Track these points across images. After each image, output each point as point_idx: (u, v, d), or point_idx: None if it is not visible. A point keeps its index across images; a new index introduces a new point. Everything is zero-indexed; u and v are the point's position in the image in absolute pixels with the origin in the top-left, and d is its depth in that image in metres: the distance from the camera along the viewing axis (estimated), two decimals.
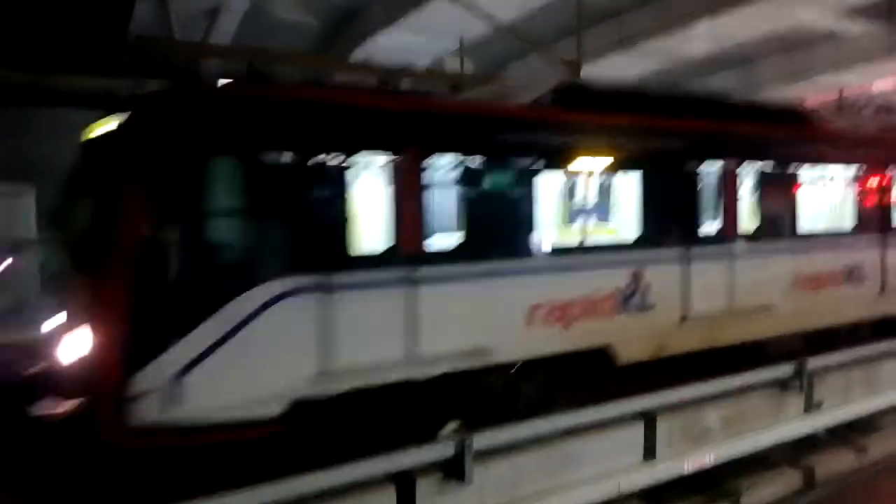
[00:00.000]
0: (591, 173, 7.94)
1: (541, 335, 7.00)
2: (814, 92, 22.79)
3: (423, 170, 6.47)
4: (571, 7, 14.71)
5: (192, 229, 5.75)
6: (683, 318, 8.01)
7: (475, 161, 6.77)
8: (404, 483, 5.31)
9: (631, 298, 7.60)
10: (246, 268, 5.87)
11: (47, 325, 6.12)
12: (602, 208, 8.20)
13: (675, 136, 8.22)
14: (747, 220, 8.80)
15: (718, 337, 8.33)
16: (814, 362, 8.16)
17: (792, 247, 9.16)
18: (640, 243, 7.85)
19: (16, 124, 14.62)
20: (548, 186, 7.25)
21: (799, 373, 7.91)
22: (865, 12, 19.44)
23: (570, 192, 8.02)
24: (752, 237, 8.77)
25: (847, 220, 10.03)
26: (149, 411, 5.38)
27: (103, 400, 5.38)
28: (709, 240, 8.40)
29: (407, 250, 6.32)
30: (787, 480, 7.10)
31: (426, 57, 19.70)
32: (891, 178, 10.50)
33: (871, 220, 10.20)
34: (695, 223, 8.27)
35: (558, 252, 7.32)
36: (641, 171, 7.86)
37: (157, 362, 5.40)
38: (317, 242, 5.97)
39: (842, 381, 8.55)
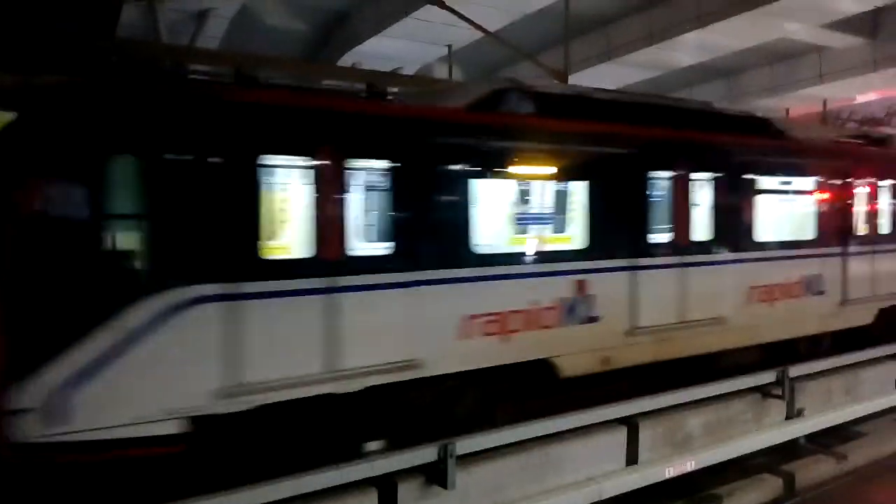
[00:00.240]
0: (532, 180, 7.79)
1: (476, 347, 6.68)
2: (798, 104, 23.08)
3: (344, 174, 6.11)
4: (559, 17, 14.82)
5: (80, 232, 5.31)
6: (631, 331, 7.74)
7: (402, 165, 6.42)
8: (386, 487, 5.31)
9: (575, 309, 7.32)
10: (140, 275, 5.46)
11: None
12: (544, 216, 8.01)
13: (622, 143, 7.92)
14: (700, 229, 8.52)
15: (668, 350, 8.06)
16: (796, 370, 8.25)
17: (747, 257, 8.85)
18: (584, 253, 7.52)
19: None
20: (484, 193, 6.95)
21: (781, 380, 7.99)
22: (850, 26, 19.69)
23: (510, 199, 7.75)
24: (705, 247, 8.47)
25: (807, 231, 9.80)
26: (32, 427, 4.99)
27: None
28: (658, 250, 8.07)
29: (327, 258, 5.94)
30: (767, 487, 7.15)
31: (415, 64, 19.75)
32: (852, 189, 10.31)
33: (832, 231, 9.95)
34: (643, 232, 7.97)
35: (494, 261, 6.95)
36: (587, 178, 7.57)
37: (41, 375, 5.00)
38: (223, 249, 5.57)
39: (823, 388, 8.64)
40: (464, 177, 6.77)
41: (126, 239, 5.49)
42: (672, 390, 7.29)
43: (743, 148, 9.02)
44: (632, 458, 6.66)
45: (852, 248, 10.13)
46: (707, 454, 7.01)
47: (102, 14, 10.59)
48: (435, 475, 5.48)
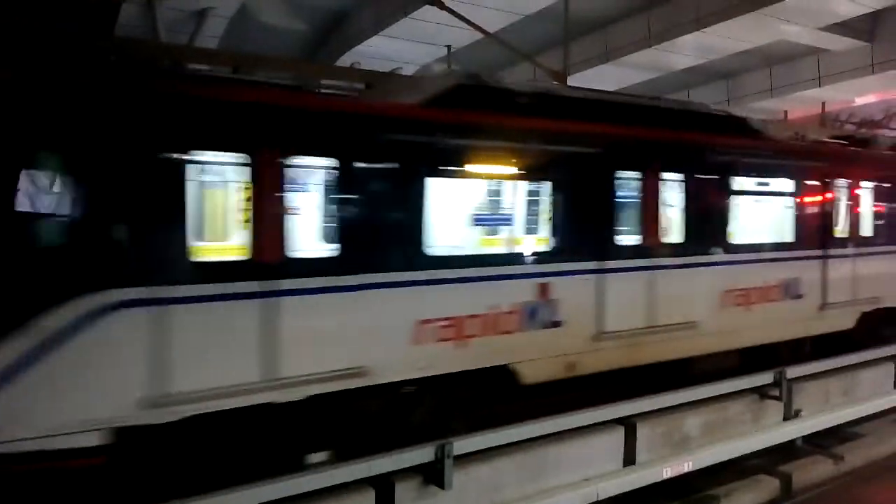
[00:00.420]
0: (491, 179, 7.49)
1: (430, 353, 6.37)
2: (797, 106, 23.11)
3: (283, 171, 5.78)
4: (559, 18, 14.82)
5: None
6: (597, 336, 7.43)
7: (349, 163, 6.09)
8: (383, 488, 5.30)
9: (537, 314, 7.01)
10: (58, 278, 5.02)
11: None
12: (505, 217, 7.67)
13: (588, 142, 7.63)
14: (671, 231, 8.25)
15: (638, 355, 7.77)
16: (793, 371, 8.26)
17: (721, 260, 8.56)
18: (547, 255, 7.20)
19: None
20: (439, 193, 6.65)
21: (779, 381, 8.00)
22: (848, 29, 19.74)
23: (468, 199, 7.50)
24: (676, 250, 8.15)
25: (784, 233, 9.51)
26: None
27: None
28: (627, 252, 7.78)
29: (264, 260, 5.61)
30: (765, 488, 7.15)
31: (414, 64, 19.75)
32: (833, 190, 10.01)
33: (811, 233, 9.65)
34: (610, 234, 7.66)
35: (450, 263, 6.64)
36: (550, 178, 7.28)
37: None
38: (148, 250, 5.24)
39: (821, 389, 8.65)
40: (417, 176, 6.44)
41: (43, 239, 5.16)
42: (670, 391, 7.29)
43: (717, 147, 8.74)
44: (629, 459, 6.66)
45: (832, 251, 9.86)
46: (705, 455, 7.02)
47: (101, 13, 10.57)
48: (432, 475, 5.48)
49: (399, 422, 6.51)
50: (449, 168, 6.82)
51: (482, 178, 7.39)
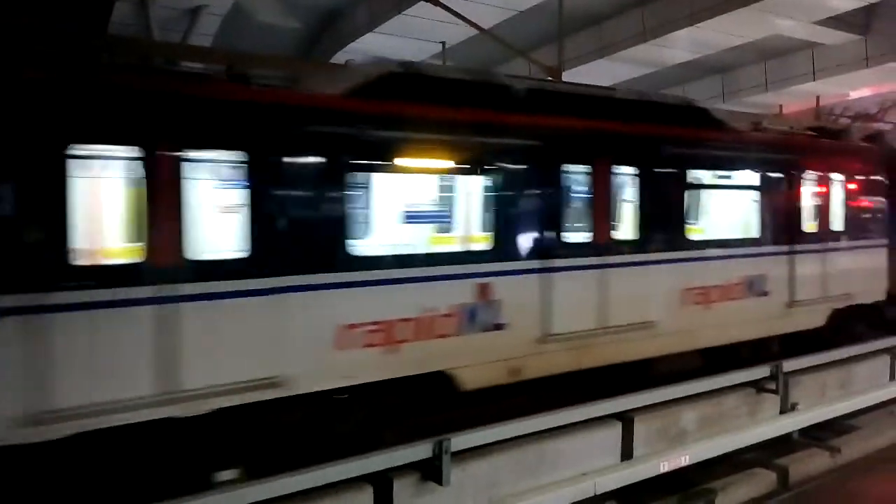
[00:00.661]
0: (423, 174, 7.11)
1: (356, 360, 5.99)
2: (791, 100, 23.14)
3: (182, 166, 5.33)
4: (553, 13, 14.81)
5: None
6: (544, 338, 7.07)
7: (261, 157, 5.66)
8: (381, 484, 5.30)
9: (477, 316, 6.63)
10: None
11: None
12: (439, 214, 7.38)
13: (530, 133, 7.19)
14: (624, 227, 7.95)
15: (589, 358, 7.42)
16: (790, 364, 8.28)
17: (679, 257, 8.15)
18: (488, 254, 6.81)
19: None
20: (365, 189, 6.42)
21: (775, 375, 8.02)
22: (842, 23, 19.75)
23: (397, 195, 7.13)
24: (630, 247, 7.79)
25: (749, 228, 9.16)
26: None
27: None
28: (575, 250, 7.39)
29: (160, 263, 5.18)
30: (761, 481, 7.17)
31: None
32: (801, 183, 9.62)
33: (778, 228, 9.27)
34: (557, 231, 7.24)
35: (377, 264, 6.26)
36: (488, 172, 6.88)
37: None
38: (23, 254, 4.79)
39: (817, 383, 8.68)
40: (339, 171, 6.03)
41: None
42: (666, 385, 7.30)
43: (675, 139, 8.32)
44: (627, 453, 6.68)
45: (801, 247, 9.48)
46: (701, 449, 7.03)
47: (93, 11, 10.53)
48: (430, 472, 5.47)
49: (324, 434, 6.17)
50: (375, 162, 6.46)
51: (414, 172, 6.96)
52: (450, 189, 7.40)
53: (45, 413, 4.80)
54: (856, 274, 10.14)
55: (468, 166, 6.95)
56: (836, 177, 10.12)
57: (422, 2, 13.36)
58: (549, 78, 11.35)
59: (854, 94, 24.35)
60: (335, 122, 6.14)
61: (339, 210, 6.03)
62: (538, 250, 7.08)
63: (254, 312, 5.54)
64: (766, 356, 8.82)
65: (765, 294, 9.02)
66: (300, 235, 5.84)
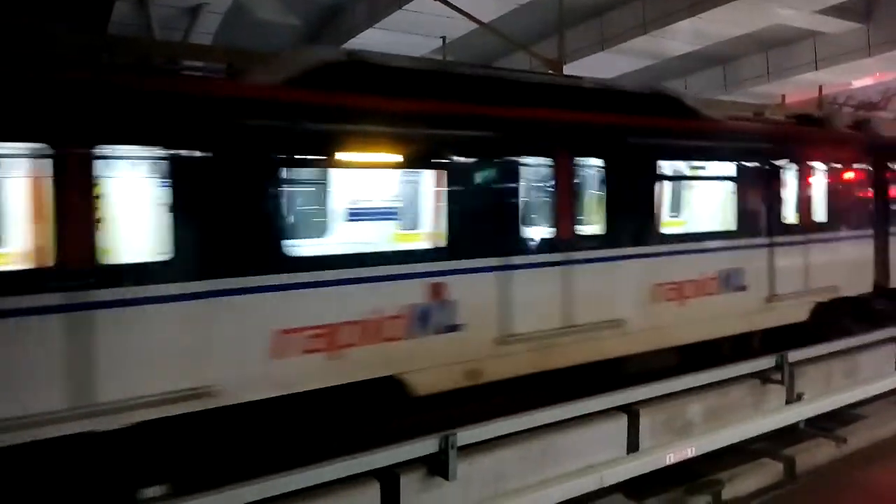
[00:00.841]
0: (368, 169, 6.75)
1: (295, 367, 5.60)
2: (794, 90, 23.08)
3: (93, 164, 4.94)
4: (554, 6, 14.79)
5: None
6: (503, 339, 6.69)
7: (182, 152, 5.22)
8: (388, 480, 5.32)
9: (429, 318, 6.26)
10: None
11: None
12: (387, 211, 7.02)
13: (486, 125, 6.81)
14: (590, 221, 7.58)
15: (554, 359, 7.06)
16: (795, 355, 8.27)
17: (650, 252, 7.75)
18: (441, 252, 6.42)
19: None
20: (303, 185, 6.13)
21: (780, 365, 8.02)
22: (844, 11, 19.68)
23: (340, 191, 6.75)
24: (596, 241, 7.40)
25: (725, 220, 8.71)
26: None
27: None
28: (537, 246, 6.99)
29: (71, 268, 4.82)
30: (768, 471, 7.17)
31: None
32: (780, 174, 9.17)
33: (756, 220, 8.85)
34: (516, 227, 6.86)
35: (317, 264, 5.83)
36: (441, 166, 6.49)
37: None
38: None
39: (822, 372, 8.67)
40: (271, 165, 5.62)
41: None
42: (672, 377, 7.30)
43: (645, 129, 7.94)
44: (633, 446, 6.68)
45: (781, 239, 9.05)
46: (707, 440, 7.03)
47: (93, 11, 10.55)
48: (436, 466, 5.48)
49: (266, 444, 5.80)
50: (313, 157, 6.06)
51: (358, 167, 6.63)
52: (399, 185, 7.01)
53: None
54: (840, 266, 9.78)
55: (417, 160, 6.58)
56: (819, 166, 9.72)
57: None
58: (521, 69, 11.01)
59: (857, 83, 24.28)
60: (268, 114, 5.70)
61: (272, 207, 5.62)
62: (497, 247, 6.71)
63: (177, 319, 5.15)
64: (745, 353, 8.54)
65: (742, 288, 8.62)
66: (227, 235, 5.42)
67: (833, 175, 9.90)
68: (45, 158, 4.83)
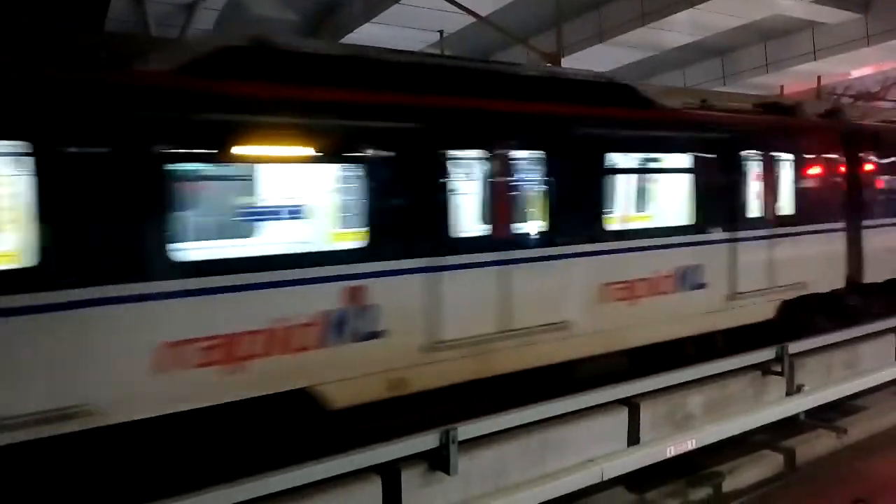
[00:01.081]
0: (276, 164, 6.30)
1: (187, 382, 5.11)
2: (793, 80, 23.05)
3: None
4: None
5: None
6: (432, 346, 6.22)
7: (52, 146, 4.69)
8: (389, 475, 5.33)
9: (346, 324, 5.78)
10: None
11: None
12: (292, 210, 6.58)
13: (405, 115, 6.34)
14: (531, 218, 7.21)
15: (492, 365, 6.62)
16: (795, 346, 8.28)
17: (596, 249, 7.27)
18: (360, 252, 5.93)
19: None
20: (197, 182, 5.64)
21: (780, 357, 8.02)
22: (842, 1, 19.64)
23: (241, 188, 6.37)
24: (535, 240, 6.97)
25: (680, 215, 8.22)
26: None
27: None
28: (469, 244, 6.53)
29: None
30: (768, 463, 7.20)
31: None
32: (744, 166, 8.71)
33: (715, 214, 8.34)
34: (443, 226, 6.34)
35: (208, 270, 5.28)
36: (355, 160, 6.01)
37: None
38: None
39: (822, 364, 8.67)
40: (156, 160, 5.05)
41: None
42: (672, 370, 7.31)
43: (590, 119, 7.46)
44: (633, 439, 6.69)
45: (744, 234, 8.57)
46: (708, 432, 7.04)
47: (91, 7, 10.51)
48: (437, 461, 5.49)
49: (156, 466, 5.34)
50: (210, 151, 5.51)
51: (262, 162, 6.18)
52: (310, 181, 6.56)
53: None
54: (809, 261, 9.32)
55: (330, 154, 6.04)
56: (786, 156, 9.20)
57: None
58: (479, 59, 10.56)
59: (855, 73, 24.24)
60: (154, 105, 5.16)
61: (157, 207, 5.07)
62: (423, 247, 6.22)
63: (45, 331, 4.64)
64: (706, 354, 8.13)
65: (701, 286, 8.14)
66: (103, 239, 4.88)
67: (801, 166, 9.38)
68: None
